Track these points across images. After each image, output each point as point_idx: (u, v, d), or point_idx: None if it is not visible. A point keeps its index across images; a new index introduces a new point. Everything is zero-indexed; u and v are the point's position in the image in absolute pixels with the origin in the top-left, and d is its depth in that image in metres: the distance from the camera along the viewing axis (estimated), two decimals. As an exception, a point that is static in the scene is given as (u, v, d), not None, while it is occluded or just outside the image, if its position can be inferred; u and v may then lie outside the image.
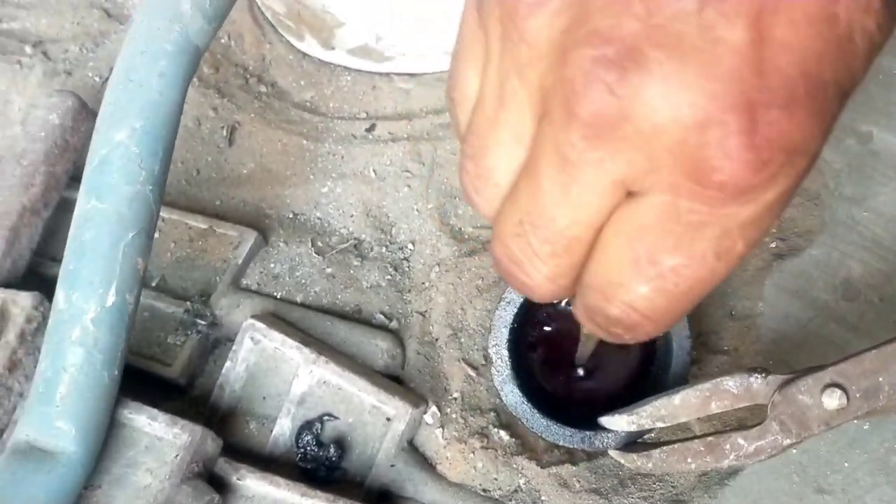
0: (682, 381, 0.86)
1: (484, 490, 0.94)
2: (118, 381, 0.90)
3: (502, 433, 0.96)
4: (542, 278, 0.47)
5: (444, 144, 1.15)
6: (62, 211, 1.08)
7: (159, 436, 0.93)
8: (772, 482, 0.84)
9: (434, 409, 0.98)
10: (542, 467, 0.93)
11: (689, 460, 0.78)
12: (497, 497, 0.93)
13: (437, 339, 1.03)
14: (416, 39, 1.18)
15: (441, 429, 0.97)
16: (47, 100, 1.11)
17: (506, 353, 0.89)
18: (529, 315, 0.94)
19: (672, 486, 0.89)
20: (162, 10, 0.92)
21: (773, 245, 0.95)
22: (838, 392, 0.73)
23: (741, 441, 0.76)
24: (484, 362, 1.01)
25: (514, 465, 0.94)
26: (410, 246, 1.11)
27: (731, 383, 0.78)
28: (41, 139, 1.08)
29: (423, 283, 1.07)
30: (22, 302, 0.97)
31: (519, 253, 0.46)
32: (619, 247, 0.43)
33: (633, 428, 0.80)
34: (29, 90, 1.27)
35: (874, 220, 0.92)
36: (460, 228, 1.11)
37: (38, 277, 1.09)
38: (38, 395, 0.88)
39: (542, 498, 0.92)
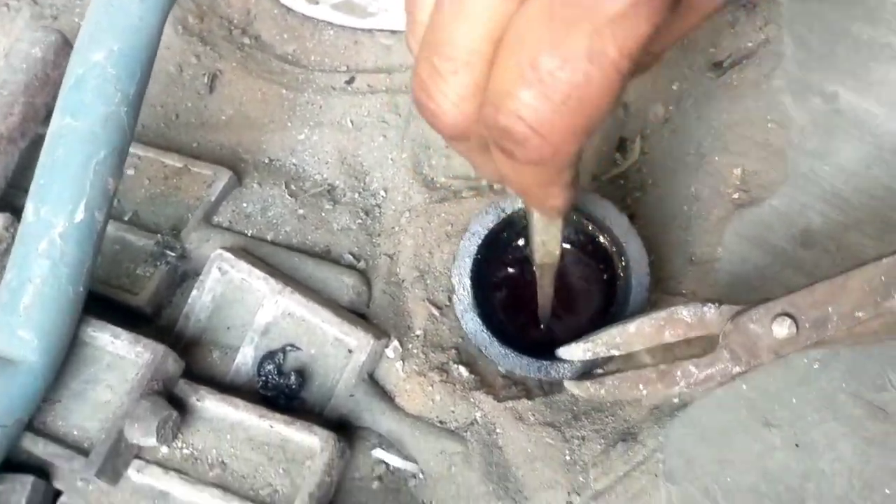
0: None
1: (441, 422, 0.95)
2: (83, 298, 0.91)
3: (462, 369, 0.97)
4: (447, 102, 0.49)
5: (421, 97, 1.16)
6: (38, 146, 1.09)
7: (121, 354, 0.93)
8: (720, 415, 0.85)
9: (396, 343, 0.99)
10: (498, 401, 0.94)
11: (640, 387, 0.79)
12: (453, 429, 0.94)
13: (403, 280, 1.05)
14: (398, -4, 1.20)
15: (402, 363, 0.98)
16: (31, 34, 1.12)
17: (468, 281, 0.90)
18: (494, 254, 0.95)
19: (624, 420, 0.90)
20: (145, -64, 0.94)
21: (735, 196, 0.97)
22: (788, 321, 0.74)
23: (692, 368, 0.78)
24: (448, 303, 1.02)
25: (472, 400, 0.95)
26: (383, 193, 1.13)
27: (685, 312, 0.79)
28: (22, 71, 1.09)
29: (393, 228, 1.09)
30: (-7, 222, 0.98)
31: (426, 78, 0.48)
32: (507, 56, 0.45)
33: (589, 356, 0.81)
34: (15, 32, 1.29)
35: (835, 175, 0.93)
36: (433, 178, 1.12)
37: (11, 208, 1.09)
38: (2, 304, 0.88)
39: (498, 430, 0.93)
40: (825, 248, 0.90)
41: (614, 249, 0.91)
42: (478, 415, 0.94)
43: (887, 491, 0.79)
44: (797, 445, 0.82)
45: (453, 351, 0.99)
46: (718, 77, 1.04)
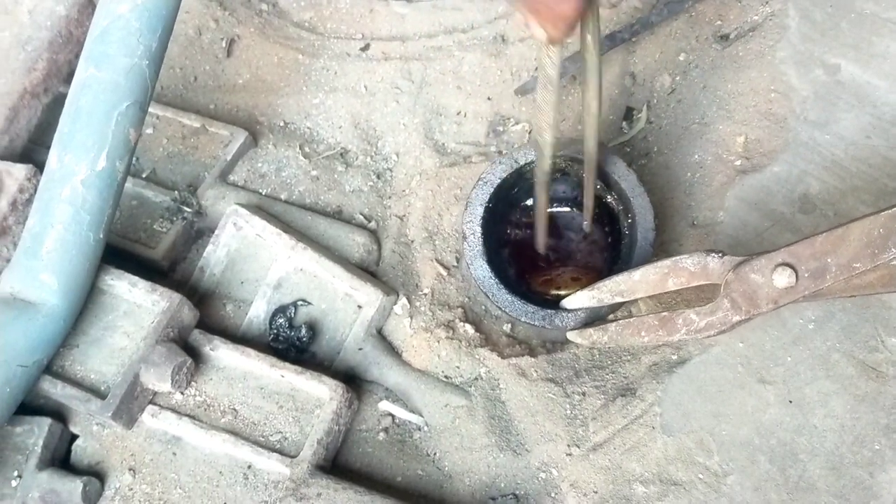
0: None
1: (446, 377, 0.98)
2: (102, 245, 0.94)
3: (468, 327, 1.00)
4: None
5: (434, 65, 1.19)
6: (59, 103, 1.11)
7: (138, 302, 0.96)
8: (717, 371, 0.88)
9: (404, 300, 1.02)
10: (502, 358, 0.97)
11: (642, 333, 0.82)
12: (458, 383, 0.97)
13: (412, 241, 1.07)
14: (414, -34, 1.22)
15: (409, 319, 1.01)
16: (55, -8, 1.15)
17: (479, 229, 0.92)
18: (505, 204, 0.97)
19: (623, 377, 0.93)
20: None
21: (738, 163, 0.99)
22: (788, 271, 0.77)
23: (693, 316, 0.80)
24: (455, 263, 1.05)
25: (477, 356, 0.98)
26: (395, 157, 1.15)
27: (689, 261, 0.81)
28: (47, 28, 1.12)
29: (404, 191, 1.11)
30: (16, 173, 1.01)
31: None
32: None
33: (594, 302, 0.84)
34: (38, -6, 1.31)
35: (835, 143, 0.96)
36: (444, 144, 1.15)
37: (33, 162, 1.12)
38: (24, 249, 0.92)
39: (501, 385, 0.95)
40: (823, 213, 0.92)
41: (621, 208, 0.93)
42: (482, 370, 0.97)
43: (876, 447, 0.82)
44: (791, 402, 0.85)
45: (459, 310, 1.02)
46: (724, 49, 1.06)
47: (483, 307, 1.03)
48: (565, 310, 0.86)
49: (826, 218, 0.92)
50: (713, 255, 0.80)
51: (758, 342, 0.88)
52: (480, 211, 0.92)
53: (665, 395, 0.88)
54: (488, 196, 0.93)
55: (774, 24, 1.04)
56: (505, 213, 0.96)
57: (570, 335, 0.86)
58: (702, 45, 1.08)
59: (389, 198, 1.12)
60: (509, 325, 1.02)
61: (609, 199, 0.94)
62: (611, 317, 0.90)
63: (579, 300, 0.84)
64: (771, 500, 0.82)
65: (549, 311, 0.88)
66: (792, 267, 0.76)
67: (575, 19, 0.63)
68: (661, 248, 0.98)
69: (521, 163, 0.93)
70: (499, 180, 0.93)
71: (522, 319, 0.89)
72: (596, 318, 0.88)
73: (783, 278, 0.76)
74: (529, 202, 0.98)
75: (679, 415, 0.87)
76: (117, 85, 0.92)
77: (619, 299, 0.82)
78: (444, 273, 1.04)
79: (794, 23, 1.03)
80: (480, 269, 0.91)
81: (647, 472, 0.86)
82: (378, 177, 1.14)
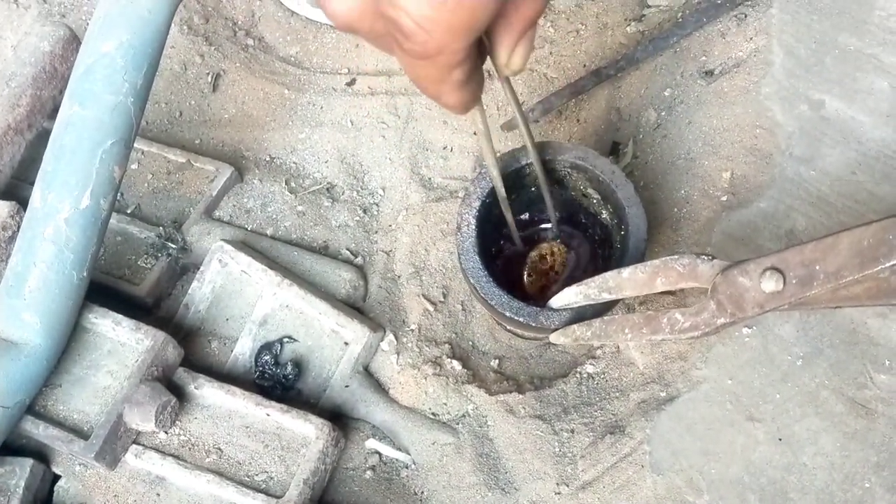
0: None
1: (433, 414, 0.97)
2: (86, 284, 0.93)
3: (455, 363, 0.99)
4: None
5: (420, 100, 1.19)
6: (43, 139, 1.11)
7: (122, 340, 0.95)
8: (706, 408, 0.88)
9: (391, 337, 1.01)
10: (490, 395, 0.96)
11: (626, 331, 0.81)
12: (445, 421, 0.96)
13: (399, 276, 1.07)
14: (400, 1, 1.22)
15: (396, 355, 1.00)
16: (40, 28, 1.14)
17: (473, 221, 0.90)
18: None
19: (612, 414, 0.92)
20: (156, -67, 0.97)
21: (724, 198, 0.99)
22: (777, 276, 0.75)
23: (678, 316, 0.79)
24: (442, 299, 1.04)
25: (464, 393, 0.97)
26: (381, 191, 1.15)
27: (678, 262, 0.80)
28: (31, 63, 1.12)
29: (390, 225, 1.11)
30: (-1, 209, 1.00)
31: None
32: None
33: (580, 298, 0.82)
34: (23, 28, 1.31)
35: (820, 179, 0.96)
36: (430, 178, 1.15)
37: (17, 199, 1.11)
38: (7, 287, 0.91)
39: (489, 423, 0.95)
40: (810, 249, 0.92)
41: (615, 221, 0.92)
42: (470, 407, 0.96)
43: (867, 484, 0.81)
44: (780, 439, 0.85)
45: (447, 346, 1.01)
46: (709, 84, 1.07)
47: (470, 343, 1.03)
48: (551, 309, 0.84)
49: (812, 253, 0.92)
50: (703, 257, 0.79)
51: (746, 379, 0.88)
52: (477, 204, 0.90)
53: (654, 432, 0.88)
54: (486, 192, 0.91)
55: (759, 59, 1.05)
56: (493, 211, 0.94)
57: (553, 338, 0.84)
58: (687, 81, 1.09)
59: (376, 233, 1.11)
60: (497, 361, 1.01)
61: (604, 213, 0.93)
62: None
63: (566, 296, 0.82)
64: (761, 539, 0.81)
65: (534, 308, 0.86)
66: (780, 272, 0.75)
67: (466, 110, 0.66)
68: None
69: (523, 163, 0.91)
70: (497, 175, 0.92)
71: (507, 314, 0.86)
72: (581, 318, 0.86)
73: (771, 283, 0.75)
74: (514, 201, 0.97)
75: (668, 453, 0.87)
76: (102, 123, 0.92)
77: (605, 296, 0.81)
78: (431, 308, 1.03)
79: (778, 59, 1.04)
80: (470, 261, 0.88)
81: (637, 511, 0.85)
82: (364, 211, 1.13)
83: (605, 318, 0.81)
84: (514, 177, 0.92)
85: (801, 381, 0.87)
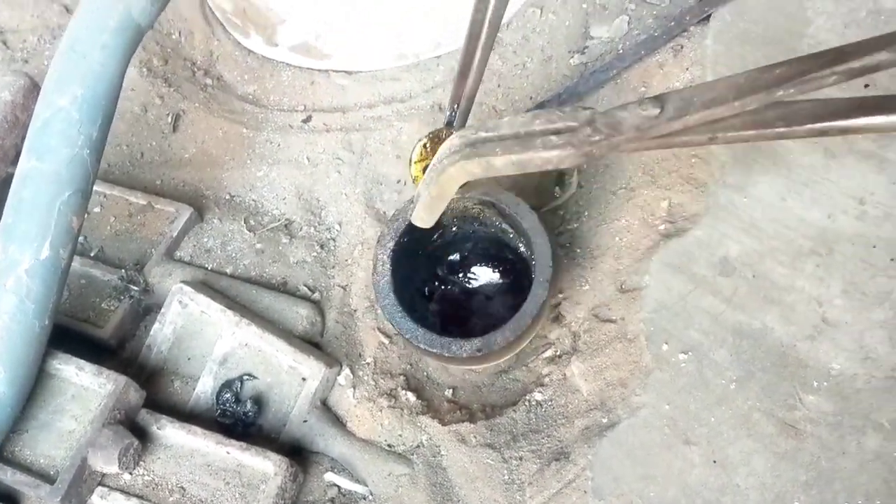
0: (535, 309, 0.93)
1: (389, 445, 1.00)
2: (48, 332, 0.97)
3: (409, 395, 1.03)
4: None
5: (374, 135, 1.23)
6: (7, 185, 1.14)
7: (85, 385, 0.99)
8: (644, 434, 0.92)
9: (347, 371, 1.05)
10: (443, 425, 1.00)
11: (497, 150, 0.79)
12: (400, 451, 1.00)
13: (355, 310, 1.11)
14: (353, 38, 1.26)
15: (353, 389, 1.04)
16: (1, 78, 1.18)
17: (388, 261, 0.96)
18: (416, 243, 1.01)
19: (558, 440, 0.96)
20: (107, -10, 1.00)
21: (661, 227, 1.03)
22: (654, 103, 0.75)
23: (553, 138, 0.77)
24: (396, 331, 1.08)
25: (418, 424, 1.01)
26: (337, 226, 1.19)
27: (560, 109, 0.79)
28: (-8, 114, 1.15)
29: (347, 260, 1.15)
30: (-37, 260, 1.03)
31: None
32: None
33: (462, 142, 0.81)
34: (-14, 75, 1.34)
35: (752, 206, 1.00)
36: (385, 212, 1.18)
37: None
38: (-29, 339, 0.94)
39: (442, 452, 0.98)
40: (742, 274, 0.96)
41: (529, 252, 0.97)
42: (424, 438, 1.00)
43: (796, 503, 0.85)
44: (715, 461, 0.89)
45: (402, 377, 1.05)
46: (649, 115, 1.11)
47: (425, 374, 1.07)
48: (464, 340, 0.91)
49: (745, 280, 0.97)
50: (589, 109, 0.78)
51: (682, 403, 0.92)
52: (391, 245, 0.96)
53: (596, 458, 0.92)
54: (399, 232, 0.97)
55: (694, 90, 1.08)
56: (416, 251, 1.01)
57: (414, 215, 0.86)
58: (627, 112, 1.13)
59: (333, 268, 1.15)
60: (451, 391, 1.05)
61: (521, 246, 0.98)
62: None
63: (446, 145, 0.82)
64: (697, 559, 0.85)
65: (446, 339, 0.92)
66: (659, 101, 0.75)
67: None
68: (592, 313, 1.02)
69: None
70: (408, 220, 0.96)
71: (421, 346, 0.93)
72: (489, 352, 0.91)
73: (648, 109, 0.75)
74: (438, 241, 1.04)
75: (609, 478, 0.90)
76: (59, 175, 0.95)
77: (482, 134, 0.79)
78: (387, 341, 1.07)
79: (711, 89, 1.07)
80: (386, 299, 0.94)
81: (581, 535, 0.89)
82: (321, 247, 1.17)
83: (488, 143, 0.80)
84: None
85: (735, 404, 0.91)
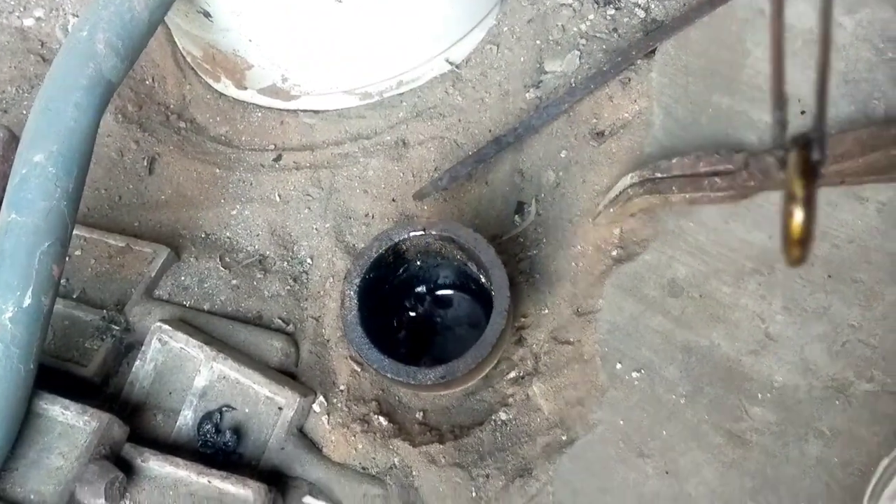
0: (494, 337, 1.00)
1: (363, 468, 1.06)
2: (34, 375, 1.01)
3: (381, 419, 1.08)
4: None
5: (342, 171, 1.29)
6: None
7: (71, 423, 1.04)
8: (601, 449, 0.97)
9: (322, 399, 1.10)
10: (414, 447, 1.05)
11: (674, 188, 1.04)
12: (374, 474, 1.05)
13: (328, 340, 1.16)
14: (319, 79, 1.32)
15: (327, 416, 1.09)
16: (-19, 131, 1.23)
17: (355, 296, 1.03)
18: (383, 277, 1.08)
19: (522, 458, 1.01)
20: (79, 49, 1.06)
21: (614, 253, 1.09)
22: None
23: (717, 180, 1.02)
24: (365, 363, 1.14)
25: (391, 447, 1.06)
26: (309, 260, 1.24)
27: (718, 151, 1.03)
28: (-26, 166, 1.20)
29: (319, 292, 1.20)
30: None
31: None
32: None
33: (636, 179, 1.05)
34: (-33, 126, 1.39)
35: (698, 230, 1.06)
36: (354, 245, 1.24)
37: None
38: (-41, 384, 0.99)
39: (414, 473, 1.04)
40: (689, 295, 1.02)
41: (483, 280, 1.04)
42: (396, 460, 1.05)
43: (743, 508, 0.91)
44: (667, 472, 0.94)
45: (374, 402, 1.10)
46: (600, 145, 1.17)
47: (396, 398, 1.12)
48: (427, 368, 0.98)
49: (692, 300, 1.03)
50: (742, 153, 0.99)
51: (636, 419, 0.98)
52: (358, 281, 1.03)
53: (556, 474, 0.97)
54: (365, 268, 1.04)
55: (642, 121, 1.15)
56: (382, 285, 1.08)
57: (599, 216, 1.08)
58: (580, 143, 1.19)
59: (306, 300, 1.20)
60: (421, 414, 1.10)
61: (482, 278, 1.04)
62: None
63: (623, 182, 1.07)
64: (653, 565, 0.91)
65: (412, 368, 0.99)
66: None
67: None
68: (551, 335, 1.08)
69: (396, 240, 1.03)
70: (375, 255, 1.03)
71: (389, 375, 1.00)
72: (453, 379, 0.97)
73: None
74: (403, 275, 1.11)
75: (569, 492, 0.96)
76: (38, 227, 1.00)
77: (658, 175, 1.04)
78: (359, 369, 1.12)
79: (658, 120, 1.14)
80: (354, 332, 1.01)
81: (543, 547, 0.94)
82: (295, 280, 1.22)
83: (657, 183, 1.02)
84: (393, 254, 1.04)
85: (685, 418, 0.96)
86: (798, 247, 0.53)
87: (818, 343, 0.97)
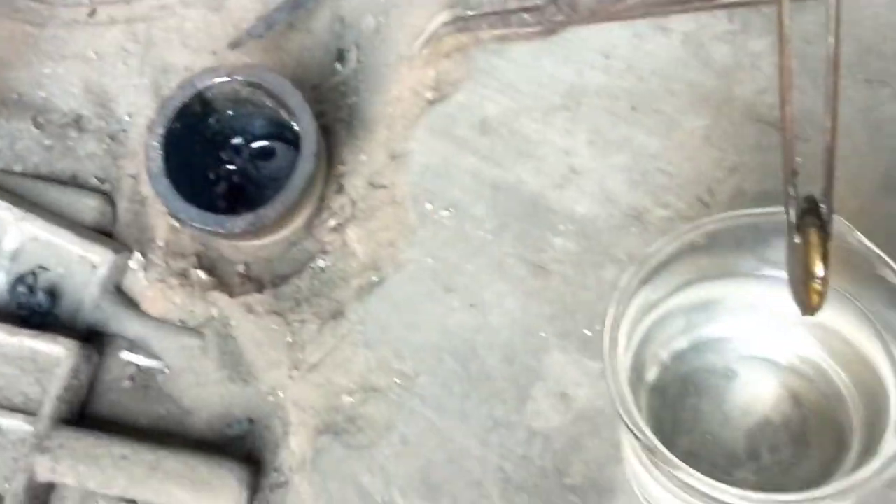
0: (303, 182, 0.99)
1: (181, 321, 1.05)
2: None
3: (200, 273, 1.07)
4: None
5: (159, 24, 1.23)
6: None
7: None
8: (410, 286, 0.98)
9: (138, 255, 1.09)
10: (232, 298, 1.05)
11: (484, 25, 1.04)
12: (193, 326, 1.05)
13: (146, 198, 1.13)
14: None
15: (144, 272, 1.08)
16: None
17: (159, 146, 1.01)
18: (189, 127, 1.05)
19: (336, 301, 1.02)
20: None
21: (428, 95, 1.08)
22: None
23: (525, 15, 1.03)
24: (172, 214, 1.12)
25: (209, 299, 1.06)
26: (127, 117, 1.20)
27: None
28: None
29: (137, 150, 1.17)
30: None
31: None
32: None
33: None
34: None
35: (508, 67, 1.05)
36: (174, 100, 1.20)
37: None
38: None
39: (232, 323, 1.04)
40: (499, 133, 1.03)
41: (296, 127, 1.02)
42: (214, 311, 1.05)
43: (542, 335, 0.94)
44: (472, 305, 0.96)
45: (193, 257, 1.09)
46: (418, -13, 1.14)
47: (217, 252, 1.11)
48: (235, 216, 0.97)
49: (502, 137, 1.03)
50: None
51: (444, 257, 0.99)
52: (161, 131, 1.01)
53: (366, 313, 0.99)
54: (169, 118, 1.01)
55: (457, -41, 1.12)
56: (193, 136, 1.06)
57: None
58: (397, -15, 1.16)
59: (124, 158, 1.17)
60: (243, 266, 1.10)
61: (295, 124, 1.02)
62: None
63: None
64: (455, 392, 0.94)
65: (220, 216, 0.98)
66: None
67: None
68: (368, 181, 1.07)
69: (200, 87, 1.00)
70: (179, 104, 1.01)
71: (197, 225, 0.98)
72: (263, 226, 0.97)
73: None
74: (211, 120, 1.09)
75: (378, 329, 0.98)
76: None
77: (469, 12, 1.05)
78: (177, 225, 1.10)
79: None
80: (160, 184, 1.00)
81: (353, 383, 0.96)
82: (112, 139, 1.18)
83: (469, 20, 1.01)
84: (200, 102, 1.01)
85: (491, 253, 0.98)
86: (814, 308, 0.60)
87: (619, 174, 0.99)
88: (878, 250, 0.66)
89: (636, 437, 0.65)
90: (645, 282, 0.71)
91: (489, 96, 1.05)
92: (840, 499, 0.65)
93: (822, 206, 0.61)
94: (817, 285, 0.59)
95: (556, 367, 0.93)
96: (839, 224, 0.66)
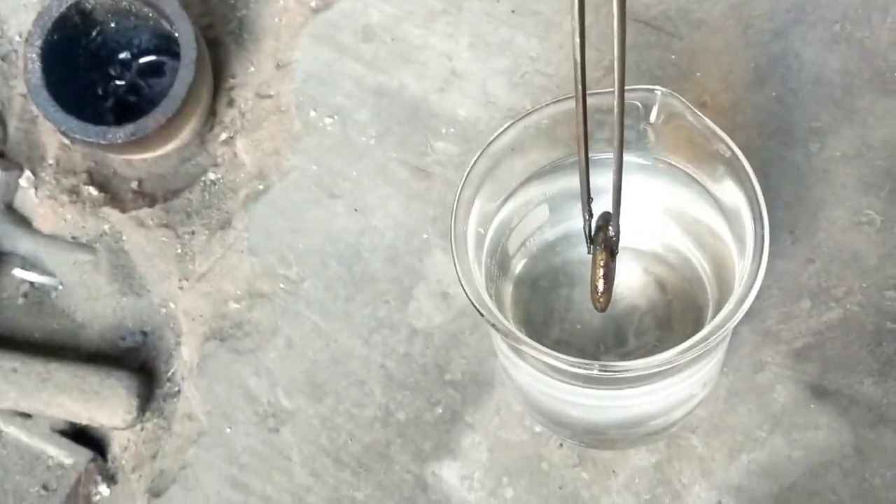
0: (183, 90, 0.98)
1: (73, 237, 1.06)
2: None
3: (91, 189, 1.07)
4: None
5: (46, -59, 1.21)
6: None
7: None
8: (295, 193, 0.99)
9: (28, 174, 1.08)
10: (124, 213, 1.05)
11: None
12: (85, 242, 1.05)
13: (37, 116, 1.13)
14: None
15: (35, 189, 1.07)
16: None
17: (37, 58, 0.99)
18: (69, 40, 1.03)
19: (225, 212, 1.03)
20: None
21: (313, 4, 1.08)
22: None
23: None
24: (53, 126, 1.11)
25: (101, 215, 1.06)
26: (18, 38, 1.18)
27: None
28: None
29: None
30: None
31: None
32: None
33: None
34: None
35: (393, -27, 1.06)
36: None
37: None
38: None
39: (124, 237, 1.04)
40: (381, 39, 1.03)
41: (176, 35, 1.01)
42: (106, 227, 1.05)
43: (424, 236, 0.96)
44: (356, 210, 0.97)
45: (85, 174, 1.09)
46: None
47: (111, 169, 1.11)
48: (116, 127, 0.96)
49: (385, 44, 1.03)
50: None
51: (329, 163, 1.00)
52: (39, 42, 0.99)
53: (252, 221, 1.00)
54: (46, 29, 0.99)
55: None
56: (75, 49, 1.04)
57: None
58: None
59: (15, 78, 1.16)
60: (136, 183, 1.10)
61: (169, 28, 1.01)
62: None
63: None
64: (339, 295, 0.95)
65: (101, 127, 0.97)
66: None
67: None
68: (255, 92, 1.07)
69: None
70: (56, 14, 0.99)
71: (78, 136, 0.98)
72: (145, 136, 0.97)
73: None
74: (98, 37, 1.06)
75: (263, 236, 0.99)
76: None
77: None
78: (69, 142, 1.10)
79: None
80: (40, 96, 0.98)
81: (239, 290, 0.98)
82: (3, 59, 1.17)
83: None
84: (78, 13, 1.00)
85: (374, 158, 0.99)
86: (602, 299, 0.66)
87: (500, 76, 1.00)
88: (713, 126, 0.68)
89: (480, 314, 0.66)
90: (492, 169, 0.71)
91: (372, 3, 1.05)
92: (671, 373, 0.68)
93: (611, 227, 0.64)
94: (599, 296, 0.65)
95: (438, 266, 0.95)
96: (676, 103, 0.68)
